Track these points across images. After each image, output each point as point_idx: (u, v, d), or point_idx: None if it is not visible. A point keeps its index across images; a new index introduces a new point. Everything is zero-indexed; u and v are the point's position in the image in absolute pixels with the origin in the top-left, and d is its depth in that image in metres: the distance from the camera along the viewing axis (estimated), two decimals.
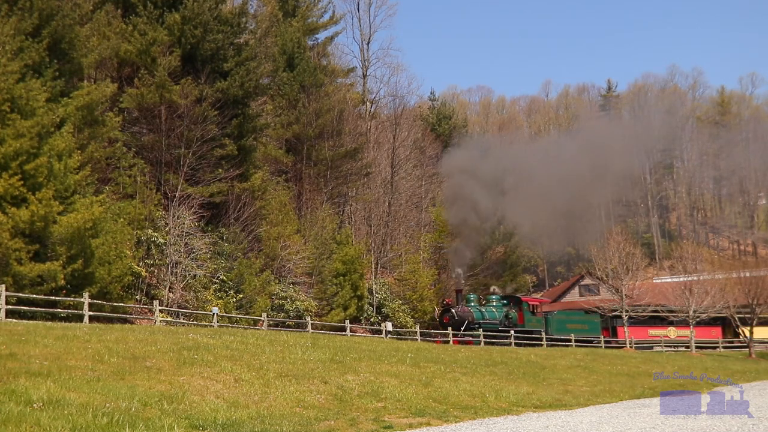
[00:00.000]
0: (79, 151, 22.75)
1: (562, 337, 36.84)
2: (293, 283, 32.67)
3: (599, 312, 40.51)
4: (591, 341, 37.69)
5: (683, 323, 43.36)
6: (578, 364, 23.48)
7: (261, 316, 26.24)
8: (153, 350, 12.90)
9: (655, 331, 41.62)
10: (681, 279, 42.56)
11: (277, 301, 31.06)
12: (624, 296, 38.75)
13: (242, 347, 14.91)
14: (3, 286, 17.39)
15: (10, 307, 17.74)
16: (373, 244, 41.76)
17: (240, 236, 30.32)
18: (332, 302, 34.23)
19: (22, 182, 19.40)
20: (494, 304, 37.19)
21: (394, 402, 12.44)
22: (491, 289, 42.26)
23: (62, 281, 19.68)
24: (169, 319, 24.04)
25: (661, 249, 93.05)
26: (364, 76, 55.52)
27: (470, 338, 32.28)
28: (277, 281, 31.60)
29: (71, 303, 19.59)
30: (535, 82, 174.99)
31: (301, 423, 10.06)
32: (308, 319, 28.51)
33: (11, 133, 19.52)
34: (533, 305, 38.73)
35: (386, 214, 43.89)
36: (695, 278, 40.51)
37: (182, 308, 25.95)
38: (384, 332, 29.84)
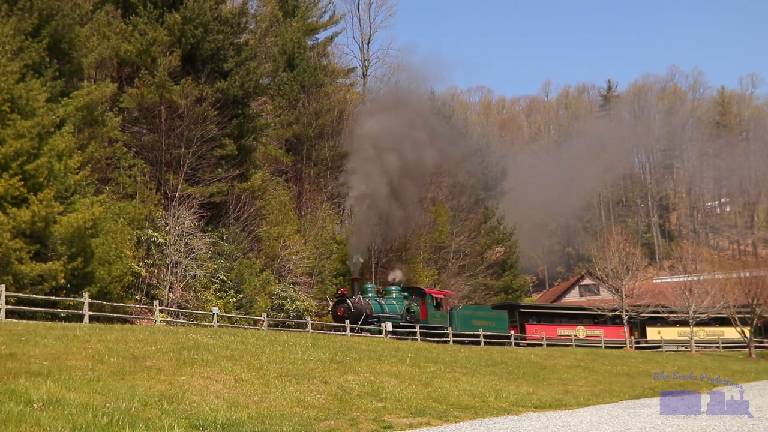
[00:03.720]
0: (79, 151, 22.76)
1: (467, 334, 33.64)
2: (293, 283, 32.68)
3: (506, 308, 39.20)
4: (499, 338, 34.66)
5: (591, 322, 42.99)
6: (578, 364, 23.49)
7: (261, 316, 26.23)
8: (153, 350, 12.90)
9: (564, 330, 40.63)
10: (681, 279, 42.53)
11: (277, 301, 31.06)
12: (624, 296, 38.72)
13: (242, 347, 14.91)
14: (3, 286, 17.39)
15: (10, 307, 17.72)
16: (373, 244, 41.74)
17: (240, 236, 30.33)
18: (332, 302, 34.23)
19: (22, 182, 19.40)
20: (394, 296, 32.75)
21: (394, 402, 12.44)
22: (390, 277, 37.08)
23: (62, 280, 19.69)
24: (169, 319, 24.03)
25: (661, 249, 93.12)
26: (364, 76, 55.60)
27: (368, 333, 28.93)
28: (277, 281, 31.61)
29: (71, 303, 19.58)
30: (535, 82, 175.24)
31: (301, 423, 10.07)
32: (308, 319, 28.51)
33: (11, 134, 19.52)
34: (438, 298, 34.87)
35: (386, 214, 43.82)
36: (695, 278, 40.50)
37: (182, 308, 25.94)
38: (384, 332, 29.74)
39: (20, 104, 20.22)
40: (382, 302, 31.55)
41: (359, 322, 28.81)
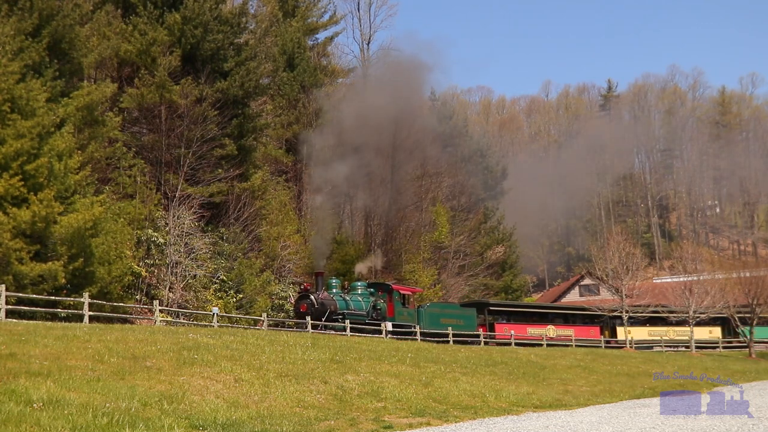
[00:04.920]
0: (79, 151, 22.77)
1: (434, 332, 32.12)
2: (293, 283, 32.68)
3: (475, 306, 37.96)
4: (467, 337, 33.52)
5: (562, 321, 42.53)
6: (578, 364, 23.48)
7: (261, 316, 26.22)
8: (153, 350, 12.89)
9: (534, 329, 39.60)
10: (681, 279, 42.49)
11: (277, 301, 31.06)
12: (624, 296, 38.69)
13: (242, 347, 14.90)
14: (3, 286, 17.38)
15: (10, 307, 17.71)
16: (373, 244, 41.77)
17: (240, 236, 30.34)
18: None
19: (22, 182, 19.40)
20: (360, 291, 30.93)
21: (394, 402, 12.44)
22: (356, 272, 35.39)
23: (62, 280, 19.69)
24: (169, 319, 24.03)
25: (661, 249, 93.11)
26: (365, 76, 55.52)
27: (332, 330, 27.22)
28: (277, 281, 31.61)
29: (71, 303, 19.57)
30: (535, 82, 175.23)
31: (301, 423, 10.07)
32: (308, 318, 28.50)
33: (12, 134, 19.52)
34: (405, 295, 33.05)
35: (386, 214, 43.89)
36: (695, 278, 40.46)
37: (182, 308, 25.94)
38: (384, 332, 29.69)
39: (20, 104, 20.22)
40: (347, 298, 29.78)
41: (323, 318, 27.13)
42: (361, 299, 30.41)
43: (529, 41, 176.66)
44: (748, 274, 40.82)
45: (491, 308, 39.92)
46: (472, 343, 32.47)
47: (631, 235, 57.97)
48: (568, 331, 40.28)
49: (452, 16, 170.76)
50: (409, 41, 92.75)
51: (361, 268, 36.02)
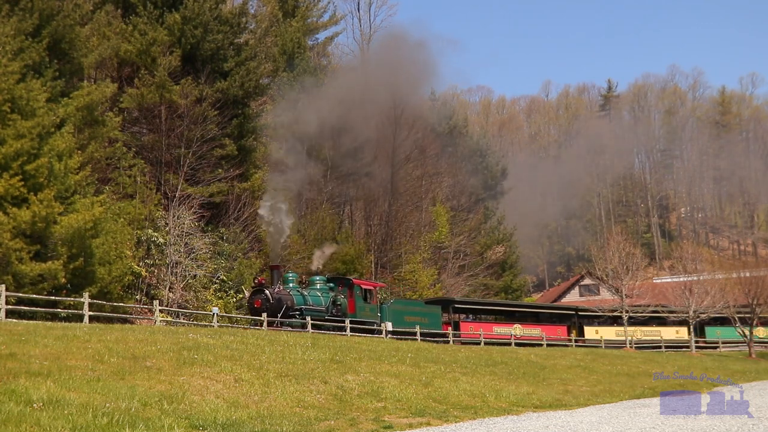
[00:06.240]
0: (80, 152, 22.79)
1: (399, 331, 30.65)
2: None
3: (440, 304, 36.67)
4: (434, 336, 32.17)
5: (531, 320, 42.07)
6: (578, 364, 23.48)
7: (261, 316, 26.18)
8: (153, 350, 12.89)
9: (500, 328, 38.73)
10: (681, 279, 42.49)
11: None
12: (624, 296, 38.69)
13: (242, 347, 14.90)
14: (3, 286, 17.37)
15: (10, 306, 17.69)
16: (373, 244, 41.77)
17: (240, 236, 30.35)
18: None
19: (22, 183, 19.40)
20: (318, 286, 29.12)
21: (394, 402, 12.44)
22: (314, 265, 33.56)
23: (63, 280, 19.69)
24: (169, 319, 24.01)
25: (661, 249, 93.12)
26: (365, 75, 55.49)
27: (288, 327, 25.84)
28: None
29: (71, 303, 19.55)
30: (535, 82, 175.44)
31: (301, 423, 10.07)
32: (308, 318, 28.48)
33: (12, 134, 19.52)
34: (367, 290, 31.27)
35: (386, 214, 43.89)
36: (695, 278, 40.47)
37: (182, 308, 25.92)
38: (384, 332, 29.62)
39: (20, 104, 20.23)
40: (305, 293, 28.03)
41: (279, 315, 25.72)
42: (320, 294, 28.62)
43: (529, 41, 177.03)
44: (748, 274, 40.81)
45: (456, 305, 38.49)
46: (436, 342, 30.74)
47: (631, 235, 58.01)
48: (535, 330, 39.80)
49: (452, 17, 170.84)
50: (414, 30, 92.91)
51: (318, 258, 33.95)
